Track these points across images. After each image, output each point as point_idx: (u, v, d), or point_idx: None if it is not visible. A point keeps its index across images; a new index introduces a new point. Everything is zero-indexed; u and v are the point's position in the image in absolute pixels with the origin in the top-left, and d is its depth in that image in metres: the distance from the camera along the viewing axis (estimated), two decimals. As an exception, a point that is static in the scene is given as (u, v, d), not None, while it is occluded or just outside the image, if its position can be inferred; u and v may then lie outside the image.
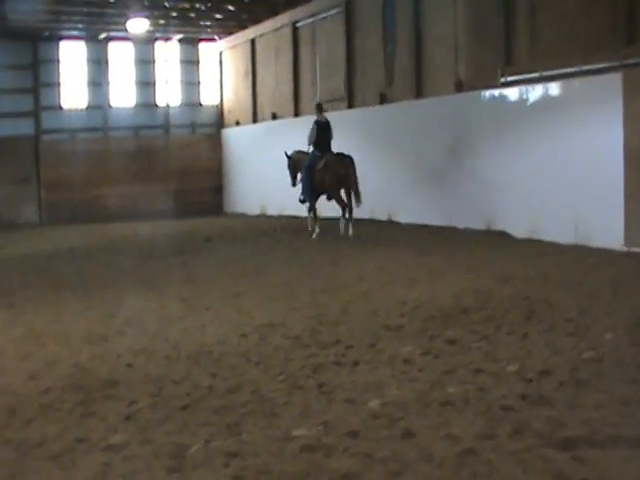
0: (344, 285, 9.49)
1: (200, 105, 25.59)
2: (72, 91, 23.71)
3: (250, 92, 23.90)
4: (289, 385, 5.33)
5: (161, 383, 5.54)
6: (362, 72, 18.68)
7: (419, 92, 16.71)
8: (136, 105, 24.51)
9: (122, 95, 24.35)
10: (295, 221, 19.48)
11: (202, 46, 25.47)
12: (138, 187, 24.23)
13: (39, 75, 23.12)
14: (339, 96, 19.49)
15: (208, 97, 25.72)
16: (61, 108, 23.55)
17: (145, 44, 24.40)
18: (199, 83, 25.54)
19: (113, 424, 4.71)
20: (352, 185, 14.79)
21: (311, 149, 15.36)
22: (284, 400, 4.98)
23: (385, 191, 17.44)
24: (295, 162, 16.10)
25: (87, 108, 23.89)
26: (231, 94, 25.23)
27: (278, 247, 14.29)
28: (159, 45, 24.75)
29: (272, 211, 22.17)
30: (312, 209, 15.53)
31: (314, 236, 15.07)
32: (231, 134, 25.17)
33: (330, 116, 19.50)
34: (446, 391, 4.96)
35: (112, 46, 24.10)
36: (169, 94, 24.94)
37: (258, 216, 22.48)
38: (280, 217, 21.00)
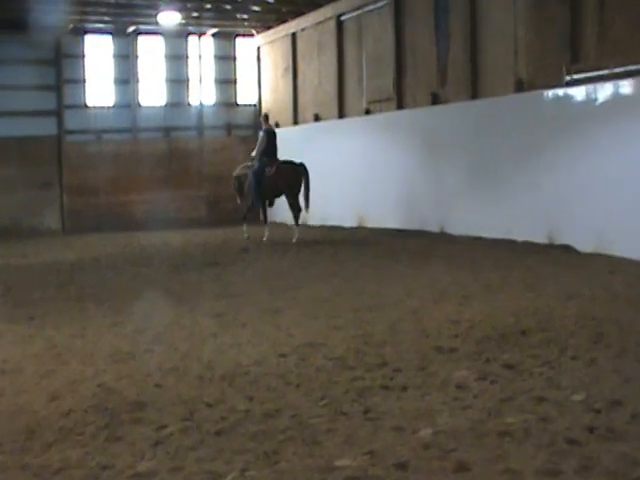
0: (391, 302, 9.47)
1: (236, 105, 25.78)
2: (98, 89, 24.04)
3: (290, 91, 24.02)
4: (332, 410, 5.32)
5: (193, 406, 5.57)
6: (412, 70, 18.67)
7: (475, 92, 16.63)
8: (167, 104, 24.78)
9: (152, 93, 24.65)
10: (338, 232, 19.51)
11: (238, 41, 25.68)
12: (168, 193, 24.45)
13: (62, 71, 23.43)
14: (387, 96, 19.50)
15: (245, 96, 25.91)
16: (86, 107, 23.85)
17: (177, 39, 24.69)
18: (235, 81, 25.74)
19: (140, 450, 4.74)
20: (304, 191, 17.25)
21: (257, 157, 17.62)
22: (326, 426, 4.98)
23: (437, 200, 17.39)
24: (240, 178, 18.34)
25: (114, 107, 24.19)
26: (270, 93, 25.39)
27: (319, 259, 14.32)
28: (192, 40, 25.02)
29: (313, 221, 22.17)
30: (250, 210, 18.06)
31: (264, 239, 17.45)
32: (269, 136, 25.25)
33: (377, 118, 19.60)
34: (504, 421, 4.92)
35: (141, 41, 24.42)
36: (202, 93, 25.19)
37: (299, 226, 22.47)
38: (322, 227, 21.03)
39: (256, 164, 17.72)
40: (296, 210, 17.57)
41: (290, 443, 4.72)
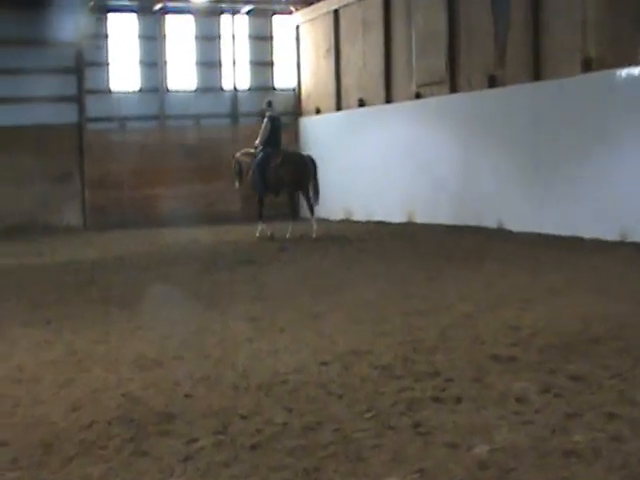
0: (443, 306, 9.45)
1: (273, 89, 25.86)
2: (122, 72, 24.30)
3: (333, 74, 24.03)
4: (378, 424, 5.31)
5: (226, 418, 5.58)
6: (467, 49, 18.58)
7: (537, 73, 16.51)
8: (197, 89, 24.96)
9: (181, 77, 24.84)
10: (384, 228, 19.49)
11: (276, 19, 25.79)
12: (199, 186, 24.59)
13: (83, 53, 23.72)
14: (439, 79, 19.43)
15: (283, 80, 26.00)
16: (109, 92, 24.11)
17: (208, 17, 24.87)
18: (272, 63, 25.85)
19: (169, 466, 4.77)
20: (312, 183, 17.88)
21: (260, 146, 18.20)
22: (372, 442, 4.97)
23: (494, 193, 17.29)
24: (241, 164, 18.92)
25: (139, 92, 24.43)
26: (310, 76, 25.44)
27: (365, 259, 14.32)
28: (225, 19, 25.17)
29: (358, 216, 22.23)
30: (260, 206, 18.51)
31: (257, 234, 18.28)
32: (310, 124, 25.36)
33: (428, 103, 19.54)
34: (570, 439, 4.87)
35: (169, 20, 24.63)
36: (236, 76, 25.31)
37: (341, 221, 22.57)
38: (367, 223, 21.02)
39: (260, 155, 18.21)
40: (308, 202, 18.24)
41: (332, 459, 4.71)
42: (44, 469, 4.82)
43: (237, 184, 19.49)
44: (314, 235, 17.71)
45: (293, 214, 18.58)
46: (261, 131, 18.39)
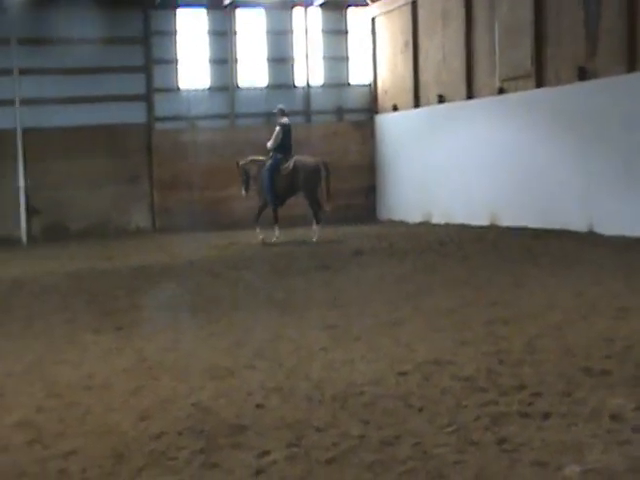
0: (530, 314, 9.35)
1: (348, 85, 25.91)
2: (191, 69, 24.58)
3: (410, 69, 23.97)
4: (460, 439, 5.29)
5: (300, 430, 5.62)
6: (555, 40, 18.34)
7: (632, 64, 16.22)
8: (269, 86, 25.11)
9: (252, 74, 25.02)
10: (465, 231, 19.36)
11: (351, 12, 25.82)
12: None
13: (152, 50, 24.06)
14: (524, 72, 19.22)
15: (358, 75, 26.01)
16: (178, 90, 24.41)
17: (280, 11, 25.00)
18: (347, 58, 25.87)
19: (240, 479, 4.81)
20: (325, 189, 19.01)
21: (271, 152, 19.07)
22: (454, 458, 4.95)
23: (585, 194, 17.05)
24: (247, 171, 19.72)
25: (209, 90, 24.67)
26: (387, 71, 25.41)
27: (446, 264, 14.26)
28: (297, 12, 25.29)
29: (437, 218, 22.12)
30: (263, 209, 19.36)
31: (274, 239, 18.90)
32: (387, 121, 25.33)
33: (513, 98, 19.38)
34: (671, 459, 4.78)
35: (239, 14, 24.82)
36: (310, 72, 25.41)
37: (420, 224, 22.49)
38: (448, 226, 20.90)
39: (270, 161, 19.06)
40: (316, 208, 19.04)
41: (411, 475, 4.70)
42: (114, 479, 4.93)
43: (243, 192, 20.02)
44: (315, 239, 18.70)
45: (317, 217, 19.12)
46: (273, 137, 19.10)
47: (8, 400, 6.80)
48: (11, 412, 6.40)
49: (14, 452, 5.50)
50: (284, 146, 19.06)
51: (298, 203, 20.10)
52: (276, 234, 19.05)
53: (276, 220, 19.22)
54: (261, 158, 19.69)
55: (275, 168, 18.93)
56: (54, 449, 5.49)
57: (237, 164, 20.09)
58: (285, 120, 19.23)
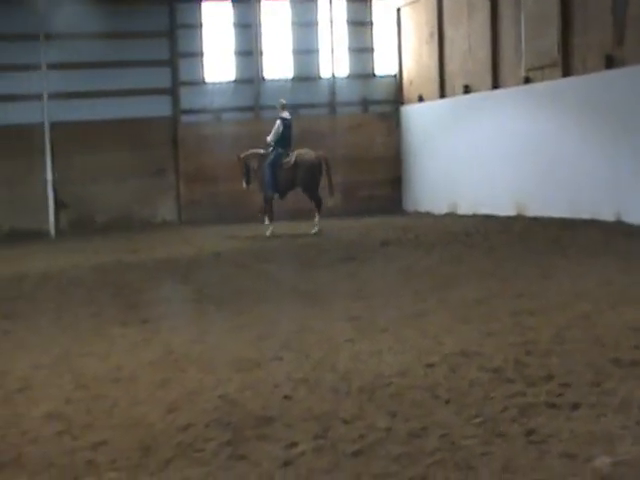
0: (557, 305, 9.30)
1: (373, 76, 25.84)
2: (217, 62, 24.61)
3: (436, 59, 23.86)
4: (488, 430, 5.27)
5: (327, 422, 5.62)
6: (582, 28, 18.19)
7: (660, 52, 16.08)
8: (294, 78, 25.09)
9: (277, 66, 25.02)
10: (493, 222, 19.29)
11: (375, 3, 25.73)
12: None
13: (177, 44, 24.12)
14: (550, 61, 19.08)
15: (383, 66, 25.94)
16: (203, 83, 24.45)
17: (305, 2, 24.97)
18: (372, 49, 25.79)
19: (268, 471, 4.82)
20: (327, 181, 19.30)
21: (271, 147, 19.33)
22: (482, 449, 4.93)
23: (612, 184, 16.91)
24: (248, 164, 20.01)
25: (234, 82, 24.69)
26: (412, 62, 25.32)
27: (472, 255, 14.21)
28: (322, 3, 25.23)
29: (463, 209, 22.03)
30: (268, 204, 19.65)
31: (267, 233, 19.11)
32: (412, 112, 25.25)
33: (539, 87, 19.23)
34: (703, 452, 4.74)
35: (265, 6, 24.81)
36: (335, 63, 25.36)
37: (446, 215, 22.41)
38: (474, 216, 20.83)
39: (271, 155, 19.35)
40: (317, 201, 19.43)
41: (439, 467, 4.69)
42: (142, 471, 4.96)
43: (244, 185, 20.28)
44: (315, 230, 19.02)
45: (319, 209, 19.45)
46: (273, 131, 19.36)
47: (37, 392, 6.86)
48: (40, 404, 6.46)
49: (43, 443, 5.55)
50: (285, 140, 19.32)
51: (302, 197, 20.22)
52: (269, 229, 19.38)
53: (271, 215, 19.66)
54: (262, 151, 19.96)
55: (276, 162, 19.23)
56: (82, 440, 5.54)
57: (238, 157, 20.34)
58: (286, 114, 19.55)
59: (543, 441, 5.02)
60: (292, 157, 19.20)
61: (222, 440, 5.37)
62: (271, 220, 19.58)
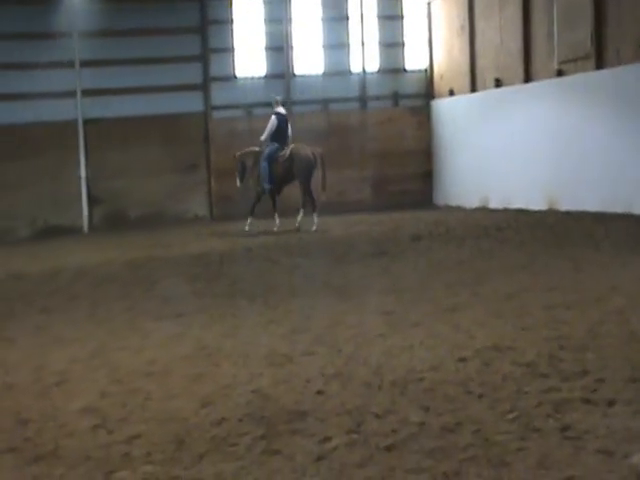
0: (592, 299, 9.23)
1: (404, 71, 25.76)
2: (247, 57, 24.63)
3: (467, 53, 23.75)
4: (522, 426, 5.24)
5: (360, 416, 5.61)
6: (615, 19, 18.02)
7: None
8: (325, 72, 25.07)
9: (308, 61, 25.01)
10: (525, 216, 19.20)
11: (406, -4, 25.66)
12: (328, 174, 24.62)
13: (208, 39, 24.17)
14: (583, 53, 18.93)
15: (414, 60, 25.84)
16: (235, 78, 24.50)
17: (336, -3, 24.93)
18: (403, 43, 25.70)
19: (302, 465, 4.83)
20: (321, 176, 19.25)
21: (266, 142, 19.54)
22: (516, 445, 4.90)
23: (646, 177, 16.77)
24: (244, 163, 20.16)
25: (265, 78, 24.71)
26: (443, 56, 25.21)
27: (504, 249, 14.14)
28: (353, -3, 25.19)
29: (495, 204, 21.93)
30: (257, 199, 19.91)
31: (246, 228, 19.45)
32: (443, 106, 25.15)
33: (572, 80, 19.07)
34: None
35: (295, 1, 24.80)
36: (365, 58, 25.31)
37: (477, 209, 22.34)
38: (505, 211, 20.73)
39: (267, 149, 19.53)
40: (311, 197, 19.50)
41: (473, 463, 4.67)
42: (177, 465, 4.97)
43: (238, 183, 20.45)
44: (314, 228, 18.96)
45: (313, 205, 19.52)
46: (267, 129, 19.47)
47: (73, 386, 6.93)
48: (76, 398, 6.52)
49: (80, 436, 5.59)
50: (280, 135, 19.45)
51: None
52: (277, 222, 19.44)
53: (275, 209, 19.76)
54: (257, 149, 20.07)
55: (272, 156, 19.37)
56: (118, 434, 5.58)
57: (234, 156, 20.48)
58: (281, 109, 19.76)
59: (579, 437, 4.98)
60: (287, 151, 19.36)
61: (256, 434, 5.38)
62: (252, 215, 19.75)
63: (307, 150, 19.55)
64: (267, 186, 19.56)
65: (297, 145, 19.62)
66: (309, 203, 19.56)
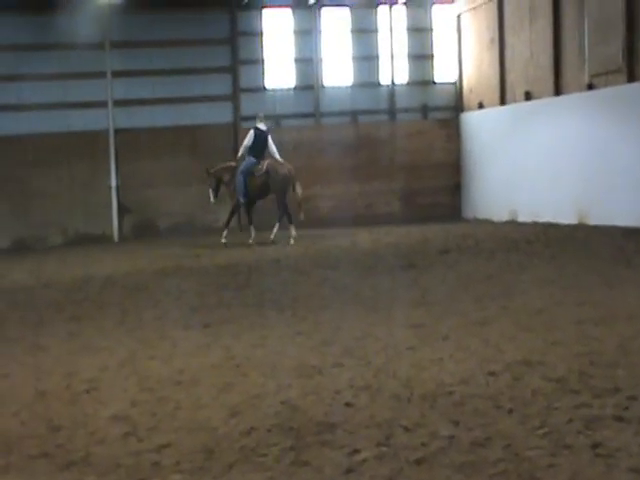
0: (623, 315, 9.15)
1: (433, 83, 25.78)
2: (277, 69, 24.76)
3: (497, 66, 23.72)
4: (553, 442, 5.19)
5: (389, 429, 5.60)
6: (647, 34, 17.94)
7: None
8: (354, 84, 25.13)
9: (337, 73, 25.07)
10: (554, 230, 19.10)
11: (435, 9, 25.67)
12: (356, 186, 24.76)
13: (238, 51, 24.35)
14: (615, 67, 18.85)
15: (443, 73, 25.86)
16: (264, 89, 24.61)
17: (365, 9, 25.00)
18: (432, 56, 25.74)
19: (331, 477, 4.82)
20: (294, 190, 19.52)
21: (243, 156, 19.86)
22: (547, 461, 4.86)
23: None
24: (218, 179, 20.40)
25: (294, 89, 24.80)
26: (472, 69, 25.19)
27: (533, 263, 14.08)
28: (382, 10, 25.24)
29: (524, 217, 21.84)
30: (234, 212, 20.29)
31: (223, 240, 19.64)
32: (473, 119, 25.12)
33: (603, 93, 18.95)
34: None
35: (325, 13, 24.91)
36: (395, 70, 25.34)
37: (506, 223, 22.26)
38: (535, 224, 20.64)
39: (244, 163, 19.74)
40: (286, 211, 19.74)
41: (503, 478, 4.64)
42: (206, 474, 4.98)
43: (212, 199, 20.64)
44: (292, 241, 19.17)
45: (289, 218, 19.73)
46: (243, 145, 19.88)
47: (103, 393, 6.96)
48: (107, 405, 6.56)
49: (110, 444, 5.62)
50: (257, 150, 19.66)
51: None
52: (252, 235, 19.64)
53: (250, 221, 20.07)
54: (232, 164, 20.29)
55: (248, 170, 19.57)
56: (148, 442, 5.60)
57: (207, 171, 20.60)
58: (261, 125, 19.87)
59: (610, 455, 4.93)
60: (264, 165, 19.54)
61: (285, 445, 5.37)
62: (227, 227, 19.99)
63: (283, 169, 19.74)
64: (242, 200, 19.80)
65: (273, 161, 19.78)
66: (285, 217, 19.77)
